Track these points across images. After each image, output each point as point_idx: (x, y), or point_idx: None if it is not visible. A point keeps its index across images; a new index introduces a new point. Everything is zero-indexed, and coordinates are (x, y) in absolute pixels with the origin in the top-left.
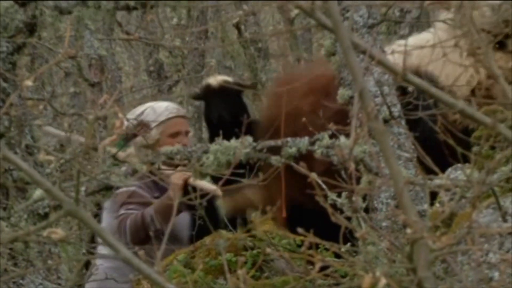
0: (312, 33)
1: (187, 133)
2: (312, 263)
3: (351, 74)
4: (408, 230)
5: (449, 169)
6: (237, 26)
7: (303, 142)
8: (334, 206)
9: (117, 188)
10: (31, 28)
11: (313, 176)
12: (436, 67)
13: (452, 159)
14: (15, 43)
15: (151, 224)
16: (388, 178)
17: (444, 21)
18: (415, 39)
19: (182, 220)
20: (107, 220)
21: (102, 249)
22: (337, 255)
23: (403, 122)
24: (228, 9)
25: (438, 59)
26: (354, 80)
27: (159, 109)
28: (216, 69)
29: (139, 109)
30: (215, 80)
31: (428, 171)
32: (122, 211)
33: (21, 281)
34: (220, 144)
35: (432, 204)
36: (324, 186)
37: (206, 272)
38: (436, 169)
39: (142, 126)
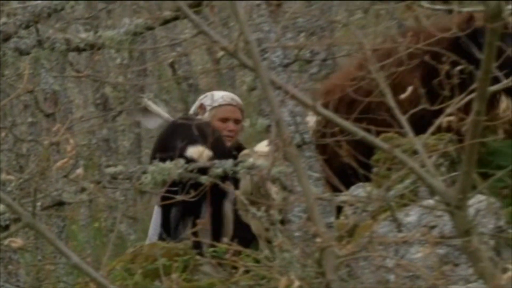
0: (235, 71)
1: (236, 121)
2: (235, 268)
3: (269, 106)
4: (318, 239)
5: (352, 187)
6: (171, 65)
7: (228, 163)
8: None
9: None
10: None
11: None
12: None
13: (355, 179)
14: None
15: None
16: (300, 194)
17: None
18: None
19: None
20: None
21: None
22: (257, 261)
23: (313, 147)
24: (164, 51)
25: None
26: (271, 111)
27: (216, 96)
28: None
29: (205, 95)
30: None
31: (334, 189)
32: None
33: None
34: (157, 165)
35: (338, 217)
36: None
37: (145, 276)
38: (341, 187)
39: (200, 108)
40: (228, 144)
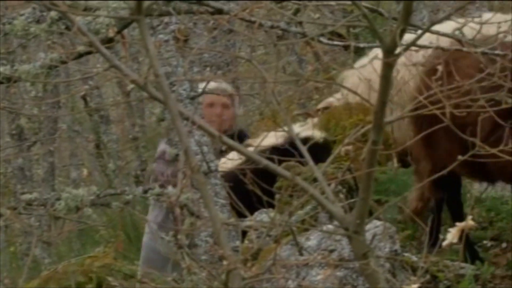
0: (144, 103)
1: (224, 105)
2: None
3: (178, 136)
4: (224, 262)
5: (256, 213)
6: (84, 98)
7: (138, 190)
8: None
9: None
10: None
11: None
12: None
13: (259, 205)
14: None
15: None
16: (207, 220)
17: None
18: None
19: None
20: None
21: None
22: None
23: (218, 175)
24: (77, 84)
25: None
26: (180, 141)
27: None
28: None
29: None
30: None
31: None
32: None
33: None
34: (70, 192)
35: (243, 241)
36: None
37: None
38: (246, 213)
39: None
40: (221, 129)
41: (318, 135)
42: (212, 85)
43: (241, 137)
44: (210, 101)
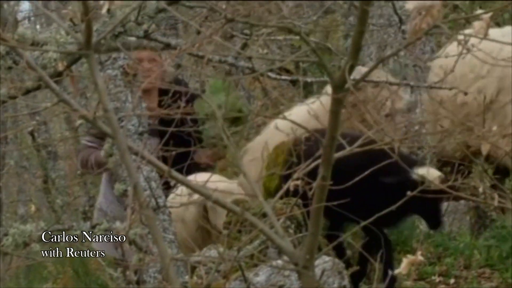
0: None
1: (150, 60)
2: None
3: (126, 171)
4: None
5: (205, 248)
6: (31, 133)
7: (86, 226)
8: None
9: None
10: None
11: None
12: None
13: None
14: None
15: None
16: (156, 255)
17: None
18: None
19: None
20: None
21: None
22: None
23: (167, 210)
24: (24, 120)
25: None
26: (129, 176)
27: None
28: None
29: None
30: None
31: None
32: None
33: None
34: (18, 228)
35: (192, 276)
36: None
37: None
38: (195, 247)
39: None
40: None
41: (434, 174)
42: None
43: (179, 84)
44: (138, 57)
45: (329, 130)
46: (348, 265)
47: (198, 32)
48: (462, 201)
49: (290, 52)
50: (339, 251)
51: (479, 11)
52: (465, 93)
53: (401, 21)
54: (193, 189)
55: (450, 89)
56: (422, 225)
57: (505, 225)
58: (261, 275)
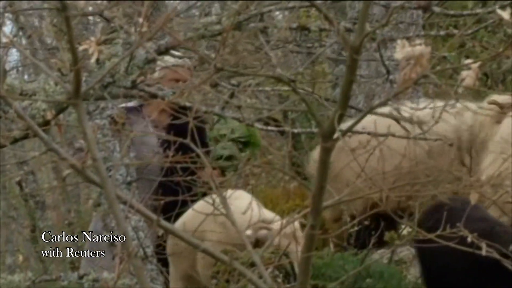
0: (80, 188)
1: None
2: None
3: (115, 220)
4: None
5: None
6: (19, 183)
7: (73, 276)
8: None
9: None
10: None
11: None
12: None
13: None
14: None
15: None
16: None
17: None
18: None
19: None
20: None
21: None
22: None
23: (154, 260)
24: (12, 169)
25: None
26: (117, 225)
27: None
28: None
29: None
30: None
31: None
32: None
33: None
34: (5, 278)
35: None
36: None
37: None
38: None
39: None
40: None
41: None
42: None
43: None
44: (175, 77)
45: (318, 179)
46: None
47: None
48: None
49: (278, 102)
50: None
51: (467, 61)
52: (450, 144)
53: (388, 72)
54: (182, 238)
55: (436, 140)
56: (410, 275)
57: None
58: None
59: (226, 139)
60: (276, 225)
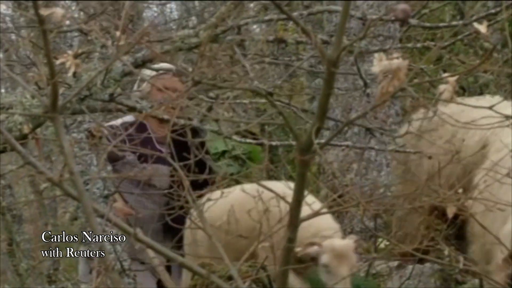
0: (57, 202)
1: (175, 91)
2: None
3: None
4: None
5: None
6: None
7: None
8: None
9: None
10: None
11: None
12: None
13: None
14: None
15: None
16: None
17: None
18: None
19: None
20: None
21: None
22: None
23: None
24: None
25: None
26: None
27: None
28: None
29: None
30: None
31: None
32: None
33: None
34: None
35: None
36: None
37: None
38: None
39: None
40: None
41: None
42: (166, 65)
43: (196, 134)
44: (164, 86)
45: (295, 193)
46: None
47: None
48: (427, 264)
49: (255, 115)
50: None
51: (445, 74)
52: (429, 157)
53: (365, 85)
54: (160, 252)
55: (415, 153)
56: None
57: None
58: None
59: (227, 155)
60: (328, 242)
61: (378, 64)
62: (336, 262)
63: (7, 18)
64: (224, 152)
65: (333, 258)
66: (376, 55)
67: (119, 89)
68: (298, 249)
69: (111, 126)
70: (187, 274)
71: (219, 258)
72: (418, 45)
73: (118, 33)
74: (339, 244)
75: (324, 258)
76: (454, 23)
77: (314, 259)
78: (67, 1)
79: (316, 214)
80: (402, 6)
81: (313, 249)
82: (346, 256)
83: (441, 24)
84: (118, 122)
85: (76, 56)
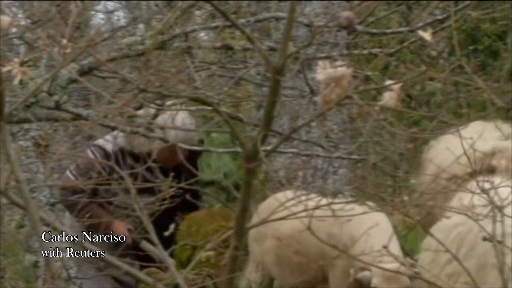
0: (3, 210)
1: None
2: None
3: (38, 242)
4: None
5: None
6: None
7: None
8: None
9: None
10: None
11: None
12: None
13: None
14: None
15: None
16: None
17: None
18: None
19: None
20: None
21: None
22: None
23: (79, 281)
24: None
25: None
26: (41, 247)
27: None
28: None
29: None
30: None
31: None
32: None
33: None
34: None
35: None
36: None
37: None
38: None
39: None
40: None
41: None
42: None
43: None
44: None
45: (241, 201)
46: None
47: (110, 103)
48: None
49: (202, 123)
50: None
51: (389, 82)
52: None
53: (312, 92)
54: (109, 262)
55: (360, 160)
56: None
57: None
58: None
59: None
60: (378, 270)
61: (322, 71)
62: (386, 284)
63: None
64: (212, 182)
65: (384, 281)
66: (320, 62)
67: (66, 96)
68: (351, 271)
69: (102, 148)
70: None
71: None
72: (365, 52)
73: (64, 41)
74: (389, 267)
75: (375, 282)
76: (400, 29)
77: (363, 284)
78: (13, 8)
79: (263, 222)
80: (346, 13)
81: (365, 274)
82: (396, 279)
83: (388, 31)
84: (107, 144)
85: (22, 63)
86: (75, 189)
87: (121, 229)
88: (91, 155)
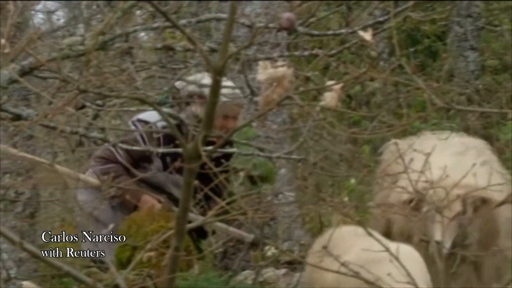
0: None
1: (235, 118)
2: None
3: None
4: None
5: None
6: None
7: None
8: None
9: None
10: None
11: None
12: None
13: None
14: None
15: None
16: None
17: None
18: None
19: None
20: None
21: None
22: None
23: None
24: None
25: None
26: None
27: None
28: None
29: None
30: None
31: None
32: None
33: None
34: None
35: None
36: None
37: None
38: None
39: (200, 97)
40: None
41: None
42: (230, 92)
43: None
44: (226, 114)
45: (182, 201)
46: None
47: (50, 103)
48: None
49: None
50: None
51: (330, 82)
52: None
53: (253, 93)
54: (47, 262)
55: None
56: None
57: None
58: None
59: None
60: None
61: (263, 72)
62: None
63: None
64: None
65: None
66: (260, 63)
67: (6, 96)
68: None
69: (145, 121)
70: None
71: None
72: (306, 53)
73: (3, 41)
74: None
75: None
76: (341, 30)
77: None
78: None
79: (203, 222)
80: (287, 15)
81: None
82: None
83: (329, 32)
84: (150, 118)
85: None
86: (113, 159)
87: (150, 201)
88: (133, 128)
